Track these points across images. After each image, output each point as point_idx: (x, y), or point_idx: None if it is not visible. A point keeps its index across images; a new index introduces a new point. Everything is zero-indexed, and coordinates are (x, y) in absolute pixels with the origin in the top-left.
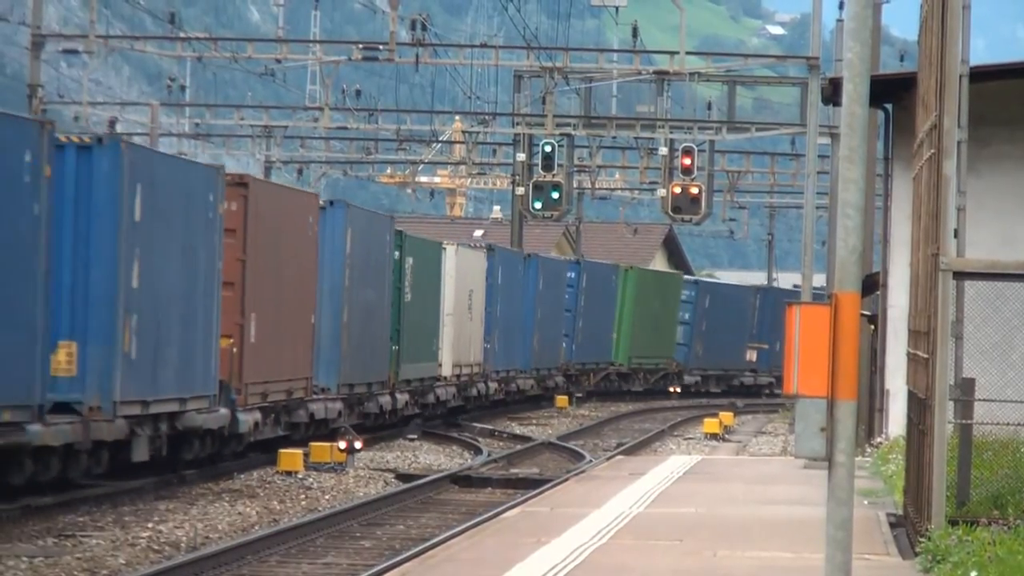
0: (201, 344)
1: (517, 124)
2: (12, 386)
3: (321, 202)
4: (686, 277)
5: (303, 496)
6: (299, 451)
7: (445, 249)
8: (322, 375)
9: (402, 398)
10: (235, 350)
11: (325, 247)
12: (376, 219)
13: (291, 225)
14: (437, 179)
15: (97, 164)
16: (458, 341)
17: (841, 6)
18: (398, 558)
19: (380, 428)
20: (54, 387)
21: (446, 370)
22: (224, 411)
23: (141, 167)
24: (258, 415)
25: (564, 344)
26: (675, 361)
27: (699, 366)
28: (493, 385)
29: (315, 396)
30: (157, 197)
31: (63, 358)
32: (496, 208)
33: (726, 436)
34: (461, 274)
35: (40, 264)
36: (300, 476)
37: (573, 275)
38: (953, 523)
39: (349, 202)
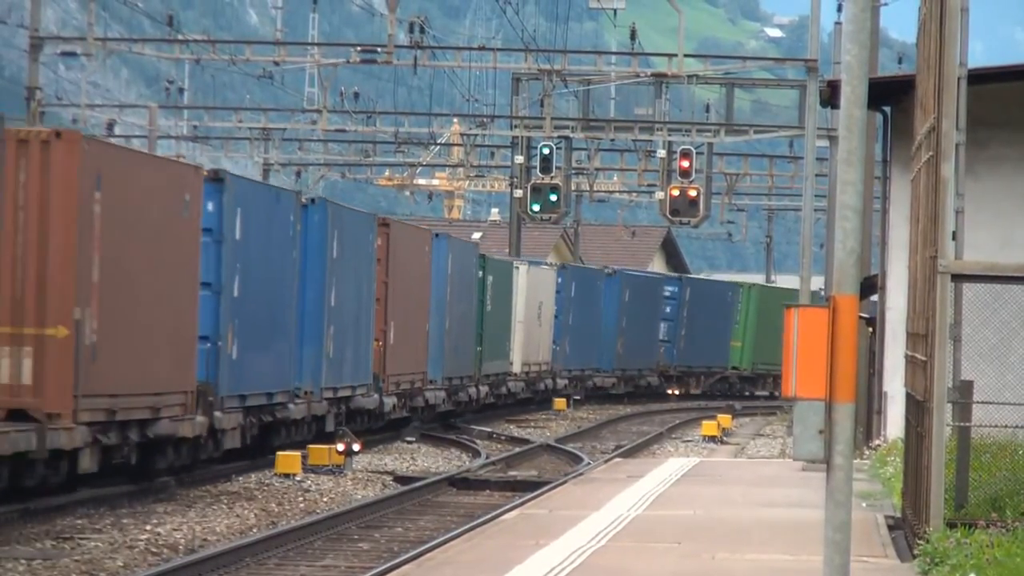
0: (364, 346)
1: (515, 126)
2: (282, 377)
3: (435, 235)
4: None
5: (301, 498)
6: (297, 453)
7: (517, 268)
8: (431, 370)
9: (483, 389)
10: (382, 350)
11: (434, 270)
12: (467, 247)
13: (414, 254)
14: (435, 181)
15: (311, 217)
16: (527, 343)
17: (839, 9)
18: (396, 560)
19: (472, 412)
20: None
21: (516, 367)
22: (376, 396)
23: (337, 218)
24: (395, 399)
25: (663, 349)
26: None
27: None
28: (563, 381)
29: (428, 386)
30: (344, 239)
31: None
32: (494, 210)
33: (724, 438)
34: (531, 289)
35: (295, 290)
36: (298, 479)
37: (674, 289)
38: (951, 525)
39: (450, 235)
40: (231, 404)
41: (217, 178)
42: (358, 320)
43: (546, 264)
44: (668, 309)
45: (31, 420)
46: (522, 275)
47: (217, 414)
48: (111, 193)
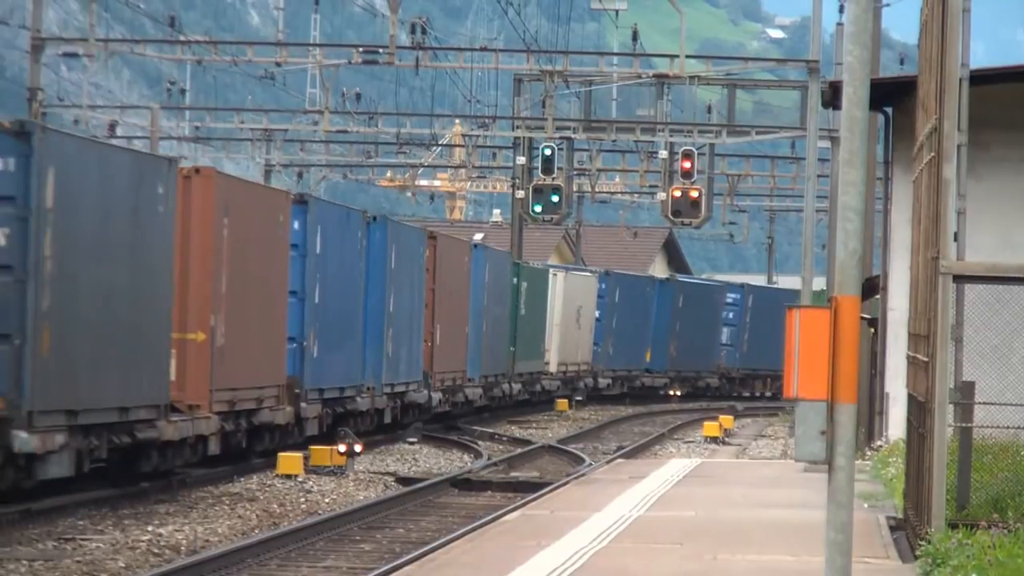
0: (416, 346)
1: (517, 127)
2: (351, 373)
3: (473, 245)
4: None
5: (303, 500)
6: (299, 455)
7: (553, 275)
8: (470, 368)
9: (516, 387)
10: (430, 350)
11: (473, 278)
12: (502, 255)
13: (456, 264)
14: (437, 182)
15: (373, 233)
16: (564, 345)
17: (841, 10)
18: (398, 561)
19: (503, 408)
20: None
21: (552, 367)
22: (425, 392)
23: (395, 233)
24: (440, 395)
25: (725, 352)
26: None
27: None
28: (606, 380)
29: (467, 383)
30: (400, 252)
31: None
32: (496, 211)
33: (726, 439)
34: (568, 294)
35: (361, 297)
36: (300, 480)
37: (737, 296)
38: (953, 526)
39: (486, 245)
40: (312, 396)
41: (302, 200)
42: (411, 323)
43: (588, 271)
44: (730, 315)
45: (176, 411)
46: (558, 281)
47: (302, 405)
48: (234, 218)
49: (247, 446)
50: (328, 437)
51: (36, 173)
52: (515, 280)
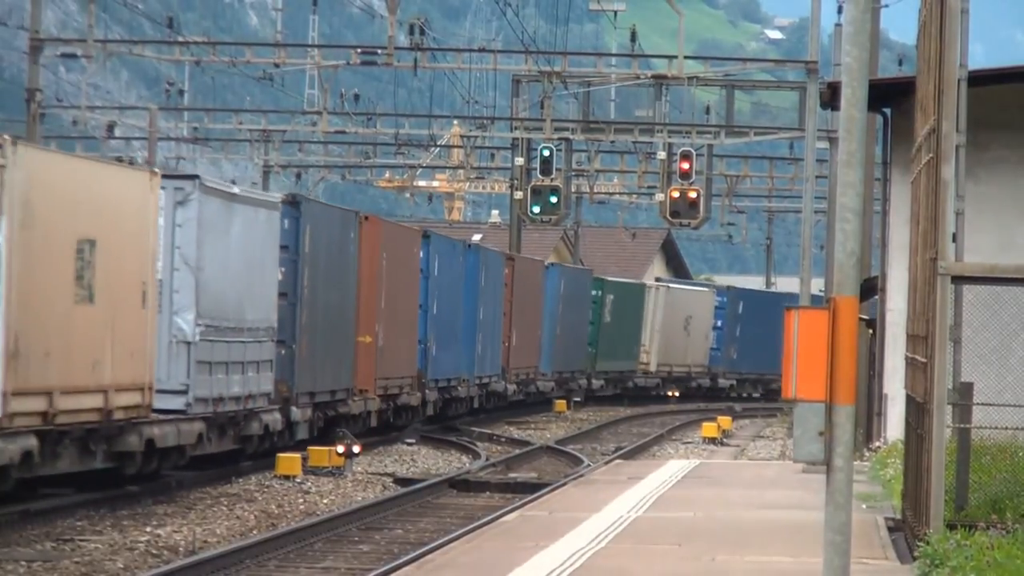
0: (497, 347)
1: (515, 128)
2: (455, 368)
3: (546, 264)
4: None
5: (301, 500)
6: (297, 455)
7: (651, 289)
8: (543, 365)
9: (597, 382)
10: (507, 350)
11: (547, 291)
12: (582, 272)
13: (531, 279)
14: (435, 183)
15: (469, 258)
16: (667, 348)
17: (839, 10)
18: (396, 562)
19: (585, 403)
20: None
21: (652, 366)
22: (503, 383)
23: (484, 257)
24: (515, 386)
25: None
26: None
27: None
28: (729, 381)
29: (540, 377)
30: (488, 272)
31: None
32: (495, 212)
33: (724, 440)
34: (671, 305)
35: (461, 308)
36: (298, 480)
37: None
38: (951, 527)
39: (562, 264)
40: (431, 385)
41: (426, 235)
42: (493, 328)
43: (702, 287)
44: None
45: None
46: (660, 294)
47: (427, 391)
48: (388, 252)
49: (391, 421)
50: (441, 418)
51: (301, 230)
52: (597, 292)
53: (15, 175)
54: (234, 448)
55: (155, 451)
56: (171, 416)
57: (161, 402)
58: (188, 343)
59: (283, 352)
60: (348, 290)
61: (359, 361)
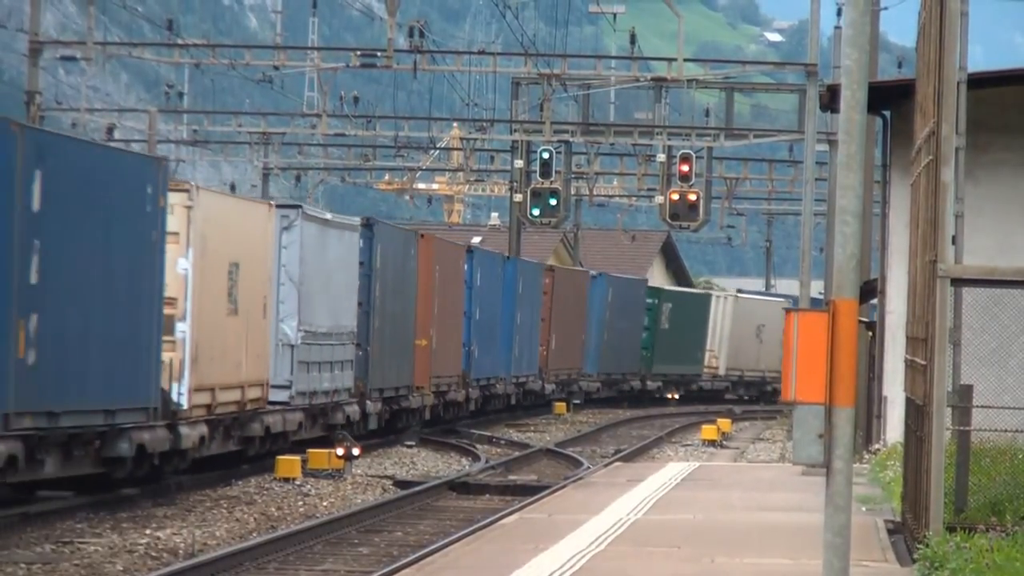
0: (535, 349)
1: (515, 131)
2: (495, 368)
3: (592, 274)
4: None
5: (301, 503)
6: (297, 458)
7: (717, 298)
8: (588, 366)
9: (653, 384)
10: (545, 353)
11: (592, 299)
12: (634, 282)
13: (574, 286)
14: (435, 186)
15: (507, 269)
16: (736, 354)
17: (839, 13)
18: (396, 564)
19: (637, 402)
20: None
21: (721, 370)
22: (540, 382)
23: (522, 269)
24: (553, 386)
25: None
26: None
27: None
28: None
29: (583, 378)
30: (525, 281)
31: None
32: (494, 215)
33: (724, 443)
34: (739, 313)
35: (500, 315)
36: (298, 483)
37: None
38: (951, 530)
39: (608, 273)
40: (474, 384)
41: (469, 250)
42: (531, 333)
43: (777, 296)
44: None
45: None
46: (728, 303)
47: (470, 389)
48: (440, 266)
49: (442, 415)
50: (482, 414)
51: (374, 248)
52: (654, 300)
53: (197, 214)
54: (321, 435)
55: (269, 436)
56: (279, 407)
57: (271, 396)
58: (292, 346)
59: (360, 353)
60: (408, 299)
61: (417, 361)
